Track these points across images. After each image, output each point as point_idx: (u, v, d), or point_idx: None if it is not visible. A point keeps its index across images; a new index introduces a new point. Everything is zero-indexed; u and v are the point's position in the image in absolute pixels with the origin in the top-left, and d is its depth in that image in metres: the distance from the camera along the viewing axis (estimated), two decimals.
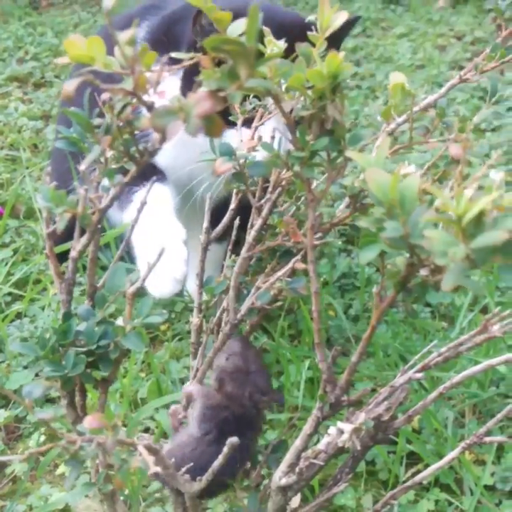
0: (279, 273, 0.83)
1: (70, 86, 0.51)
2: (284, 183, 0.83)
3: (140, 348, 0.78)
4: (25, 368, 1.56)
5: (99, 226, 0.74)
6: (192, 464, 0.82)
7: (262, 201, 0.85)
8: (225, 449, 0.74)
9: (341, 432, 0.74)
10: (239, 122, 0.99)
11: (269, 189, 0.84)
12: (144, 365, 1.62)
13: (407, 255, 0.65)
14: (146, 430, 1.43)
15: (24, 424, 1.45)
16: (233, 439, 0.73)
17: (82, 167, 0.64)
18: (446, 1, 4.49)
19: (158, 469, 0.59)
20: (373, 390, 1.43)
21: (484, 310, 1.75)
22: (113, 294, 0.85)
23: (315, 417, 0.79)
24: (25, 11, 4.12)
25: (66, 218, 0.67)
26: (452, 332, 1.68)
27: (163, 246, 0.84)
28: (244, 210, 1.03)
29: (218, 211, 1.13)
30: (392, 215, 0.57)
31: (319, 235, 0.82)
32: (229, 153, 0.82)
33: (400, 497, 1.29)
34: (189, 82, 1.47)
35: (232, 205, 0.98)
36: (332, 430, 0.82)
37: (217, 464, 0.76)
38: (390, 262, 0.66)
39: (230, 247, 1.03)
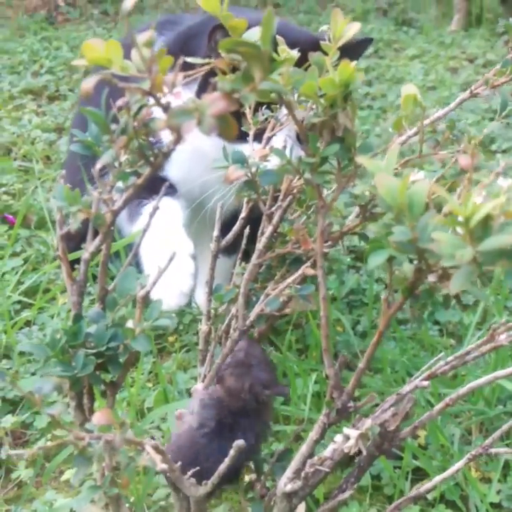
0: (289, 280, 0.83)
1: (88, 83, 0.52)
2: (295, 191, 0.84)
3: (148, 350, 0.79)
4: (33, 374, 1.57)
5: (112, 228, 0.75)
6: (187, 455, 0.83)
7: (273, 209, 0.86)
8: (232, 452, 0.74)
9: (347, 437, 0.75)
10: (251, 133, 1.00)
11: (280, 197, 0.85)
12: (151, 376, 1.63)
13: (415, 262, 0.66)
14: (152, 438, 1.43)
15: (31, 430, 1.46)
16: (240, 442, 0.73)
17: (97, 166, 0.65)
18: (458, 24, 4.52)
19: (165, 466, 0.59)
20: (376, 405, 1.43)
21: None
22: (124, 297, 0.86)
23: (321, 422, 0.80)
24: (41, 25, 4.17)
25: (79, 219, 0.68)
26: (460, 350, 1.68)
27: (171, 258, 0.86)
28: (253, 222, 1.04)
29: (228, 225, 1.14)
30: (400, 219, 0.58)
31: (329, 243, 0.83)
32: (241, 161, 0.83)
33: None
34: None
35: (243, 214, 0.99)
36: (338, 438, 0.83)
37: (223, 466, 0.76)
38: (397, 269, 0.67)
39: (239, 256, 1.04)
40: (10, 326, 1.65)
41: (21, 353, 1.63)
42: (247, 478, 1.38)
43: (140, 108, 0.60)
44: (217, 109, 0.50)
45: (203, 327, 1.02)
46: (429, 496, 1.33)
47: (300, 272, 0.82)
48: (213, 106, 0.50)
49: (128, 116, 0.60)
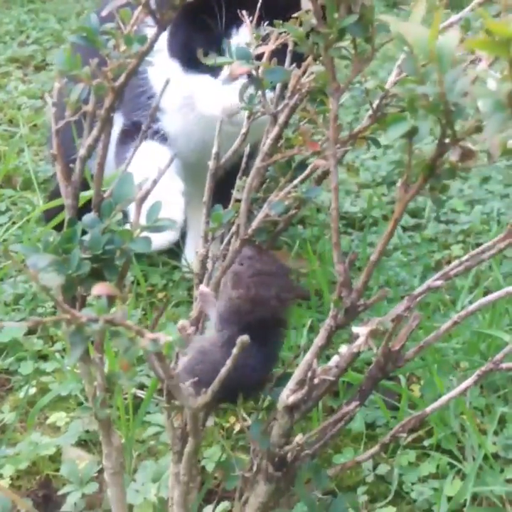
0: (296, 181, 0.80)
1: None
2: (303, 90, 0.80)
3: (148, 250, 0.75)
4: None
5: (112, 115, 0.70)
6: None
7: (279, 108, 0.82)
8: (235, 350, 0.70)
9: (357, 336, 0.71)
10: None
11: (287, 94, 0.81)
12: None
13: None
14: (141, 387, 1.39)
15: (15, 376, 1.41)
16: (244, 337, 0.69)
17: (103, 13, 0.61)
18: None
19: (170, 339, 0.55)
20: None
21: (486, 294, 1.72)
22: (121, 202, 0.81)
23: (328, 326, 0.76)
24: None
25: (79, 89, 0.64)
26: (454, 311, 1.65)
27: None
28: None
29: (225, 180, 1.08)
30: (426, 76, 0.54)
31: (338, 146, 0.79)
32: (246, 57, 0.79)
33: (402, 459, 1.27)
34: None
35: (244, 129, 0.94)
36: (343, 349, 0.79)
37: (224, 370, 0.72)
38: (417, 148, 0.63)
39: (239, 176, 0.99)
40: None
41: (6, 304, 1.59)
42: (237, 426, 1.35)
43: None
44: None
45: (200, 250, 0.98)
46: (426, 443, 1.30)
47: (307, 171, 0.79)
48: None
49: None
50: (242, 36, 1.32)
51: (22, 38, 3.45)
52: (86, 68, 0.65)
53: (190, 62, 1.41)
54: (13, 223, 1.93)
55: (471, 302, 1.68)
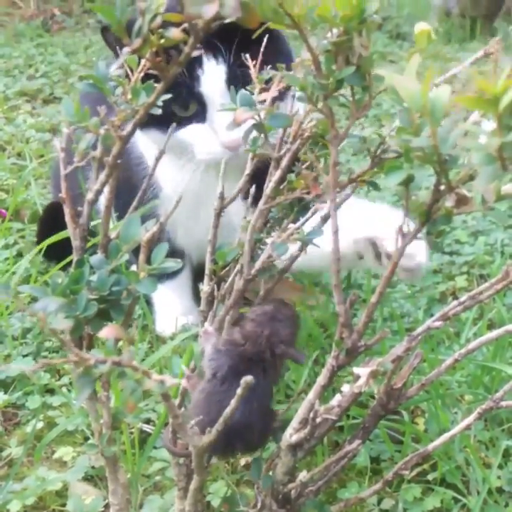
0: (299, 223, 0.82)
1: None
2: (305, 135, 0.82)
3: (154, 291, 0.77)
4: (25, 356, 1.55)
5: (119, 161, 0.73)
6: (203, 407, 0.80)
7: (282, 152, 0.84)
8: (239, 390, 0.71)
9: (358, 376, 0.73)
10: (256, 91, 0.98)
11: (290, 140, 0.83)
12: (144, 363, 1.59)
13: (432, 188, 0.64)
14: (148, 421, 1.40)
15: (22, 410, 1.43)
16: (248, 378, 0.70)
17: (112, 69, 0.63)
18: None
19: (176, 381, 0.57)
20: None
21: (490, 326, 1.73)
22: (128, 243, 0.83)
23: (330, 366, 0.77)
24: (37, 32, 4.17)
25: (88, 138, 0.66)
26: (458, 343, 1.66)
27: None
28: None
29: None
30: (420, 128, 0.57)
31: (337, 190, 0.81)
32: (249, 103, 0.82)
33: (406, 494, 1.27)
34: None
35: (247, 171, 0.97)
36: (345, 388, 0.81)
37: (229, 409, 0.74)
38: (414, 194, 0.65)
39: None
40: (3, 312, 1.62)
41: (14, 338, 1.60)
42: (243, 461, 1.35)
43: (154, 16, 0.58)
44: None
45: (205, 288, 0.99)
46: (430, 477, 1.31)
47: (310, 214, 0.81)
48: None
49: (143, 19, 0.58)
50: (211, 73, 1.32)
51: (31, 71, 3.51)
52: (94, 119, 0.67)
53: (171, 122, 1.28)
54: (21, 256, 1.95)
55: (475, 334, 1.69)
